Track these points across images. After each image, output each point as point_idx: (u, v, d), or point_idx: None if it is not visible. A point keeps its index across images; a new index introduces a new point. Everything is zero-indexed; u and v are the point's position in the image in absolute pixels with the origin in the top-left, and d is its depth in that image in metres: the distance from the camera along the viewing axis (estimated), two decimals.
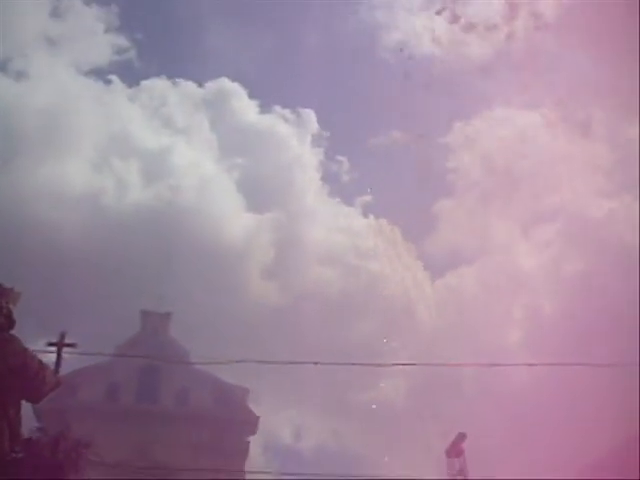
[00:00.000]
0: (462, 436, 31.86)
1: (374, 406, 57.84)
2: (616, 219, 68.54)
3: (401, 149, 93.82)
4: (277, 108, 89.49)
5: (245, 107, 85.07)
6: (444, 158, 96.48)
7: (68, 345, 10.79)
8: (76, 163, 76.78)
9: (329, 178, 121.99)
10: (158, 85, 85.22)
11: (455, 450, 32.01)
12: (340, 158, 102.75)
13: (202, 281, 61.59)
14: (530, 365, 28.07)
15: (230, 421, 41.65)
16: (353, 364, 20.52)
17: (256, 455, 48.37)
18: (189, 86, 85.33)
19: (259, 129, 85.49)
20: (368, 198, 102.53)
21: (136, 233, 66.18)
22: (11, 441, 7.03)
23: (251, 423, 42.55)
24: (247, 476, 38.84)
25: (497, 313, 70.19)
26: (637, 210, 51.48)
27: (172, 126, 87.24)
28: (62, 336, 10.87)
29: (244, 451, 41.47)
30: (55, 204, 69.37)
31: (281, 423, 66.38)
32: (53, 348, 12.99)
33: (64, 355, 11.95)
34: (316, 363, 18.33)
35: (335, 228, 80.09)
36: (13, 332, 7.75)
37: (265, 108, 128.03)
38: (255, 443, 46.72)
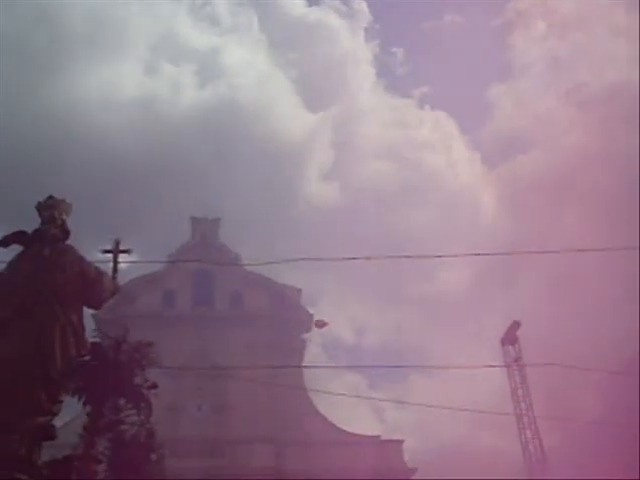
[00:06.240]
0: (516, 324, 32.06)
1: None
2: None
3: (454, 34, 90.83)
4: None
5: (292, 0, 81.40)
6: (498, 40, 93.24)
7: (123, 252, 10.89)
8: (127, 66, 75.75)
9: (384, 72, 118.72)
10: None
11: (510, 338, 32.29)
12: (394, 50, 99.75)
13: (259, 182, 61.18)
14: (581, 251, 27.62)
15: (284, 320, 42.30)
16: (406, 257, 20.26)
17: (317, 354, 49.37)
18: None
19: (308, 23, 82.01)
20: (425, 89, 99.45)
21: (192, 136, 65.68)
22: (77, 346, 7.19)
23: (305, 321, 43.16)
24: (305, 371, 39.83)
25: (557, 200, 68.89)
26: None
27: (219, 25, 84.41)
28: (117, 243, 10.96)
29: (301, 349, 42.27)
30: (107, 108, 68.81)
31: (340, 321, 67.33)
32: (109, 257, 13.17)
33: (120, 264, 12.10)
34: (368, 258, 18.17)
35: (391, 122, 78.24)
36: (68, 242, 7.82)
37: (313, 0, 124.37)
38: (314, 342, 47.67)
